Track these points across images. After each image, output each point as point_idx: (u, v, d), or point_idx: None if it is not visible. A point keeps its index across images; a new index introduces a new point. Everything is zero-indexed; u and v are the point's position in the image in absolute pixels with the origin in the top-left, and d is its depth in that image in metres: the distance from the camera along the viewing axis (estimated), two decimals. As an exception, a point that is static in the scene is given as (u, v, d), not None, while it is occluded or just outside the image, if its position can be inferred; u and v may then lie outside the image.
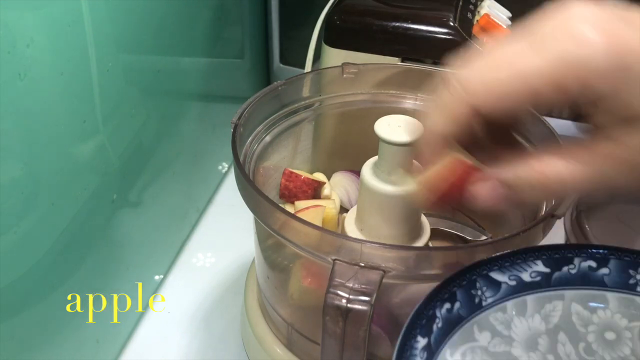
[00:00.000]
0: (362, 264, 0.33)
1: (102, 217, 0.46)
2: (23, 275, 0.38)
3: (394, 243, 0.41)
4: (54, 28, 0.36)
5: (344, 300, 0.32)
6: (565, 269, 0.32)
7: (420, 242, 0.43)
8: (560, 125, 0.68)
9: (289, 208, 0.47)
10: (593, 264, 0.32)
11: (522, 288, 0.32)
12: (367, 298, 0.32)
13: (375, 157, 0.41)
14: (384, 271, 0.33)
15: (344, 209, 0.49)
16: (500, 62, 0.27)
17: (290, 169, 0.47)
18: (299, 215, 0.43)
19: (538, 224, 0.35)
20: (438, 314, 0.30)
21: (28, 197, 0.36)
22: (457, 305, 0.31)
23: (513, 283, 0.32)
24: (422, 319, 0.30)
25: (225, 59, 0.66)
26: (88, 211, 0.43)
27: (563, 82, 0.26)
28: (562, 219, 0.53)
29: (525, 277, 0.32)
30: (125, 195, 0.48)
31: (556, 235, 0.59)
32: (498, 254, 0.32)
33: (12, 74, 0.33)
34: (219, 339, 0.53)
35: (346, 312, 0.32)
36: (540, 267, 0.32)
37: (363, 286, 0.33)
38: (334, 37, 0.52)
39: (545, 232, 0.37)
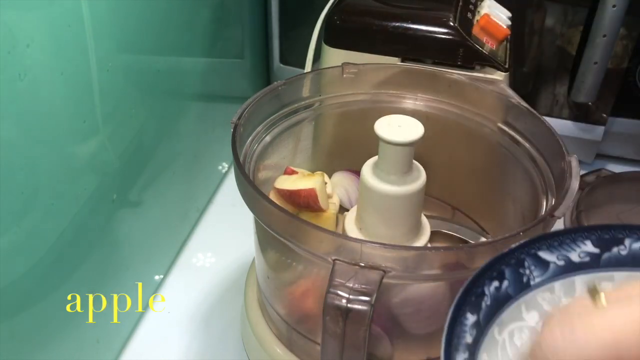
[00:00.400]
0: (362, 264, 0.33)
1: (102, 217, 0.46)
2: (23, 275, 0.38)
3: (394, 243, 0.41)
4: (54, 28, 0.36)
5: (344, 300, 0.32)
6: (615, 249, 0.31)
7: (420, 243, 0.43)
8: (560, 125, 0.68)
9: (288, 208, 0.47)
10: None
11: (571, 268, 0.31)
12: (367, 298, 0.32)
13: (375, 157, 0.41)
14: (384, 271, 0.33)
15: (344, 209, 0.49)
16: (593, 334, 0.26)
17: (292, 167, 0.47)
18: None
19: (538, 224, 0.35)
20: (487, 292, 0.30)
21: (28, 197, 0.36)
22: (505, 283, 0.30)
23: (561, 263, 0.31)
24: (471, 295, 0.29)
25: (225, 59, 0.66)
26: (88, 211, 0.43)
27: None
28: (562, 219, 0.53)
29: (574, 257, 0.31)
30: (125, 195, 0.48)
31: (556, 235, 0.59)
32: (547, 232, 0.32)
33: (12, 74, 0.33)
34: (219, 339, 0.53)
35: (346, 312, 0.32)
36: (589, 247, 0.31)
37: (363, 286, 0.33)
38: (334, 37, 0.52)
39: (545, 232, 0.36)
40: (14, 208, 0.35)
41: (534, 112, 0.44)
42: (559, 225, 0.40)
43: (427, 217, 0.45)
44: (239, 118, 0.42)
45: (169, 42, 0.52)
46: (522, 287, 0.31)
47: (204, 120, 0.62)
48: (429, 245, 0.43)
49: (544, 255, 0.31)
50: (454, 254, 0.35)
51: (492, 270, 0.30)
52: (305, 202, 0.44)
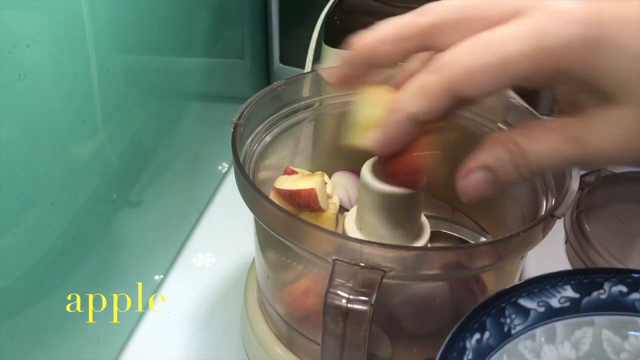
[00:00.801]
0: (362, 264, 0.33)
1: (102, 217, 0.46)
2: (23, 275, 0.38)
3: (394, 243, 0.41)
4: (54, 28, 0.36)
5: (344, 300, 0.32)
6: (595, 294, 0.32)
7: (420, 243, 0.43)
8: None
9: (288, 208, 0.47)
10: (624, 288, 0.32)
11: (551, 314, 0.32)
12: (367, 298, 0.32)
13: (376, 157, 0.41)
14: (384, 271, 0.33)
15: (344, 209, 0.49)
16: (484, 48, 0.27)
17: (292, 167, 0.47)
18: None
19: (538, 224, 0.35)
20: (468, 346, 0.30)
21: (28, 197, 0.36)
22: (486, 335, 0.30)
23: (542, 309, 0.31)
24: (453, 352, 0.29)
25: (225, 59, 0.66)
26: (88, 211, 0.43)
27: (541, 65, 0.26)
28: (562, 219, 0.53)
29: (554, 303, 0.32)
30: (125, 195, 0.48)
31: (556, 235, 0.59)
32: (526, 279, 0.32)
33: (12, 74, 0.33)
34: (219, 339, 0.53)
35: (346, 312, 0.32)
36: (569, 292, 0.32)
37: (363, 286, 0.33)
38: (334, 37, 0.52)
39: (545, 232, 0.36)
40: (14, 208, 0.35)
41: (534, 112, 0.44)
42: (559, 225, 0.40)
43: (427, 217, 0.45)
44: (239, 118, 0.42)
45: (169, 42, 0.52)
46: (504, 336, 0.31)
47: (204, 120, 0.62)
48: (429, 245, 0.43)
49: (525, 302, 0.31)
50: (454, 254, 0.35)
51: (474, 322, 0.30)
52: (305, 202, 0.44)
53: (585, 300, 0.32)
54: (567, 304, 0.32)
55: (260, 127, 0.45)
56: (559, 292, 0.32)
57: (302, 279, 0.44)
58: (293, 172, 0.47)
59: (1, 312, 0.36)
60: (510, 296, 0.31)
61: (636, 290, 0.31)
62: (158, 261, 0.58)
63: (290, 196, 0.44)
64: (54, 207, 0.39)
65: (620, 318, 0.32)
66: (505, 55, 0.26)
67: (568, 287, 0.32)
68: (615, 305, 0.32)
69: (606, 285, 0.32)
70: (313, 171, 0.49)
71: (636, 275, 0.31)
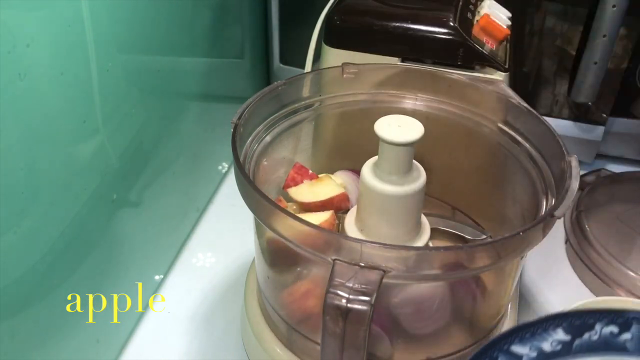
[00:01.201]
0: (362, 264, 0.33)
1: (102, 217, 0.46)
2: (23, 275, 0.38)
3: (394, 243, 0.41)
4: (54, 28, 0.36)
5: (344, 300, 0.32)
6: (586, 335, 0.31)
7: (420, 242, 0.43)
8: (560, 125, 0.68)
9: (291, 207, 0.47)
10: (615, 329, 0.31)
11: (543, 358, 0.31)
12: (367, 298, 0.32)
13: (375, 157, 0.41)
14: (384, 271, 0.33)
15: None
16: None
17: (301, 164, 0.48)
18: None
19: (538, 224, 0.36)
20: None
21: (28, 197, 0.36)
22: None
23: (534, 354, 0.31)
24: None
25: (225, 59, 0.66)
26: (88, 211, 0.43)
27: None
28: (562, 219, 0.53)
29: (546, 346, 0.31)
30: (125, 195, 0.48)
31: (556, 235, 0.59)
32: (518, 324, 0.32)
33: (12, 74, 0.33)
34: (219, 339, 0.53)
35: (346, 312, 0.32)
36: (560, 335, 0.31)
37: (363, 286, 0.33)
38: (334, 37, 0.52)
39: (545, 232, 0.37)
40: (14, 208, 0.35)
41: (534, 112, 0.44)
42: (559, 225, 0.40)
43: (427, 216, 0.45)
44: (239, 118, 0.42)
45: (169, 42, 0.52)
46: None
47: (204, 120, 0.62)
48: (429, 244, 0.43)
49: (517, 348, 0.31)
50: (454, 254, 0.35)
51: None
52: (337, 206, 0.45)
53: (577, 342, 0.31)
54: (559, 347, 0.31)
55: (260, 127, 0.45)
56: (551, 335, 0.31)
57: (302, 279, 0.44)
58: (302, 167, 0.47)
59: (1, 312, 0.36)
60: (502, 344, 0.31)
61: (627, 330, 0.31)
62: (158, 261, 0.58)
63: (323, 205, 0.45)
64: (54, 207, 0.39)
65: (611, 359, 0.31)
66: None
67: (560, 330, 0.31)
68: (606, 346, 0.31)
69: (597, 326, 0.32)
70: (314, 171, 0.49)
71: (627, 315, 0.31)
